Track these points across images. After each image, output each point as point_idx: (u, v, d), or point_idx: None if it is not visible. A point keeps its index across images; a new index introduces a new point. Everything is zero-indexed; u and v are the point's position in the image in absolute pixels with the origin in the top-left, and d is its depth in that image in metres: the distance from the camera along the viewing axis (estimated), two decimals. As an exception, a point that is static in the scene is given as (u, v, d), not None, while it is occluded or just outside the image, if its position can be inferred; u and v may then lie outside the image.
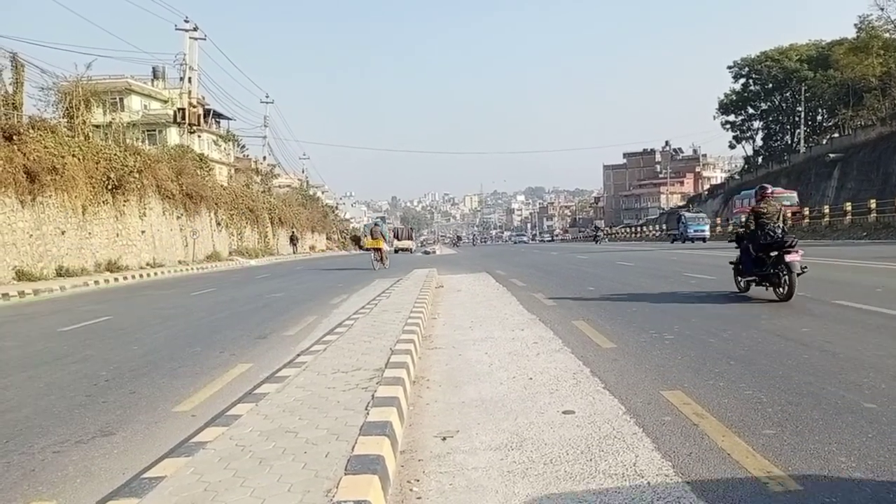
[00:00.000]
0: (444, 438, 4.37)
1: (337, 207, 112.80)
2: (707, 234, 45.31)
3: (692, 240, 44.20)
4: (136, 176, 28.60)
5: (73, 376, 7.00)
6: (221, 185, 45.25)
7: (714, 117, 74.70)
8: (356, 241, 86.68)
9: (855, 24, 51.16)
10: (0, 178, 20.12)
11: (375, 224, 26.33)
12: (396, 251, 46.13)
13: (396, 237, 54.73)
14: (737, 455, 3.75)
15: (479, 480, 3.61)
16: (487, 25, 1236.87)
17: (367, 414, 4.30)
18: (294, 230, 59.60)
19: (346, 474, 3.27)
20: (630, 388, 5.35)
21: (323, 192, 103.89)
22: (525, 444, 4.15)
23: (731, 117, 73.73)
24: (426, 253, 47.54)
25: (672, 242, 46.64)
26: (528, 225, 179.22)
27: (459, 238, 75.32)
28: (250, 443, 3.86)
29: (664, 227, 64.33)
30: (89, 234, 25.52)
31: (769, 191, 10.56)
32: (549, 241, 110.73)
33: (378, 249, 25.56)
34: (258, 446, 3.79)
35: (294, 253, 54.94)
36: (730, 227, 29.91)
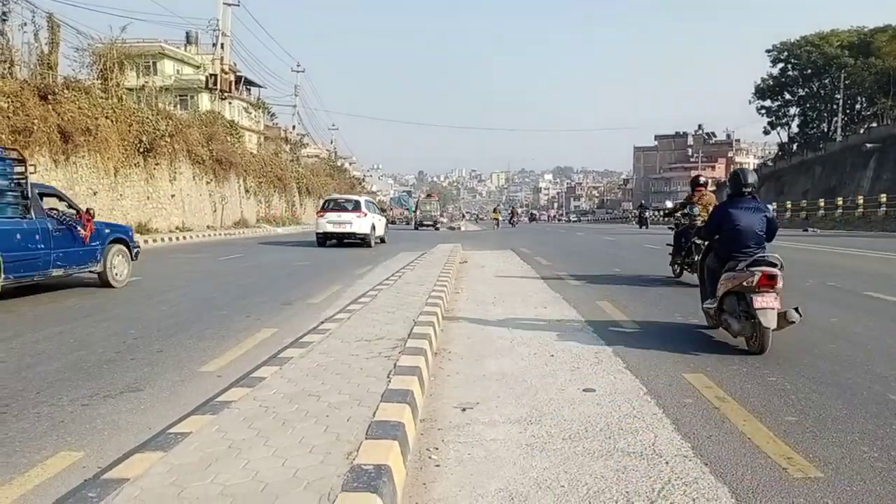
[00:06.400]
0: (464, 409, 4.40)
1: (364, 179, 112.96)
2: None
3: None
4: (168, 140, 28.78)
5: (103, 333, 7.15)
6: (251, 153, 45.39)
7: (749, 102, 73.19)
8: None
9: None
10: (34, 136, 20.38)
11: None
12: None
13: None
14: (757, 439, 3.74)
15: (497, 452, 3.64)
16: (523, 7, 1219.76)
17: (389, 381, 4.35)
18: None
19: (366, 439, 3.32)
20: (652, 370, 5.33)
21: (350, 164, 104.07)
22: (544, 419, 4.17)
23: (767, 102, 72.01)
24: (451, 229, 47.36)
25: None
26: (555, 204, 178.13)
27: (513, 213, 63.13)
28: (274, 404, 3.93)
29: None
30: (120, 195, 25.85)
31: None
32: (576, 221, 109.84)
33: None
34: (281, 408, 3.85)
35: None
36: None
